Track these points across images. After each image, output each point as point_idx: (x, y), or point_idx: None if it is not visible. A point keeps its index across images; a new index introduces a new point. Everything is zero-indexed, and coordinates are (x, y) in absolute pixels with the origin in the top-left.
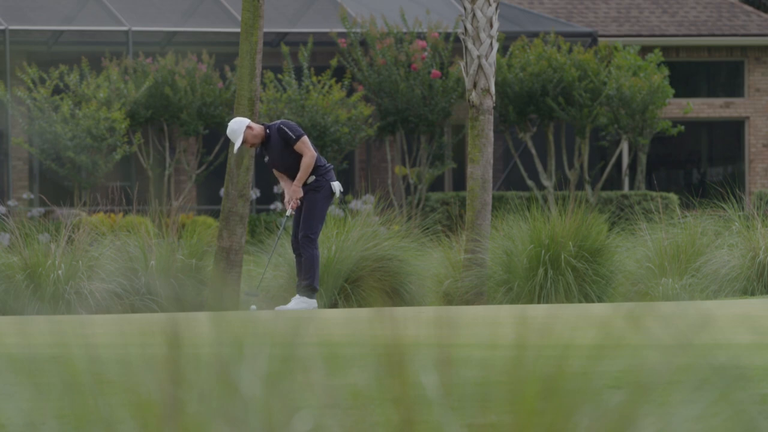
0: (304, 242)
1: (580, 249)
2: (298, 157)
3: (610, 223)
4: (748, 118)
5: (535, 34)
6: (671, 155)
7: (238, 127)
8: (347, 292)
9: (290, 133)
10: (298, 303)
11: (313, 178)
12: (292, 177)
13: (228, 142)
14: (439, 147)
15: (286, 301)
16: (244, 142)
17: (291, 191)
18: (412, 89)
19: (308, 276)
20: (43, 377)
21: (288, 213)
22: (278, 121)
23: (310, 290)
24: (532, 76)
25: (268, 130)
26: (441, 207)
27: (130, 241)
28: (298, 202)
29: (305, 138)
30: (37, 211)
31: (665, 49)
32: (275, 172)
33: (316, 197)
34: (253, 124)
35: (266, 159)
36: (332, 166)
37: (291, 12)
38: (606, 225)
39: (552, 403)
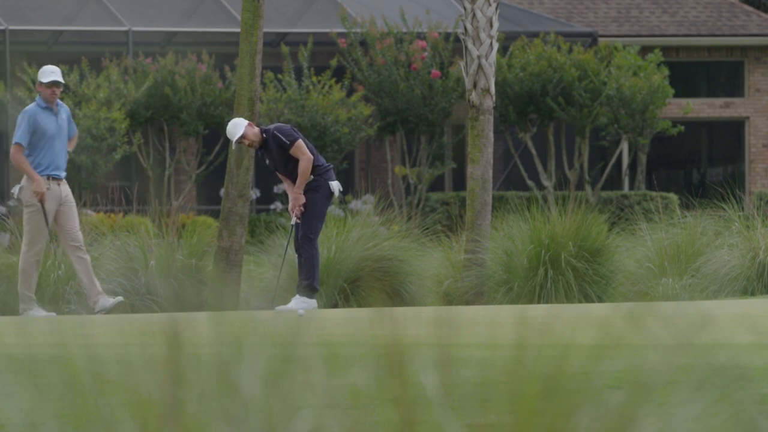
0: (304, 242)
1: (580, 249)
2: (295, 162)
3: (610, 223)
4: (748, 118)
5: (535, 34)
6: (671, 155)
7: (239, 122)
8: (347, 292)
9: (284, 139)
10: (298, 303)
11: (311, 177)
12: (295, 179)
13: (228, 142)
14: (439, 147)
15: (287, 301)
16: (243, 137)
17: (293, 198)
18: (412, 89)
19: (308, 276)
20: (43, 377)
21: (293, 222)
22: (273, 126)
23: (310, 290)
24: (532, 76)
25: (264, 134)
26: (441, 207)
27: (130, 241)
28: (302, 208)
29: (300, 142)
30: None
31: (665, 49)
32: (278, 174)
33: (315, 197)
34: (253, 125)
35: (267, 162)
36: (332, 166)
37: (291, 12)
38: (606, 225)
39: (552, 403)
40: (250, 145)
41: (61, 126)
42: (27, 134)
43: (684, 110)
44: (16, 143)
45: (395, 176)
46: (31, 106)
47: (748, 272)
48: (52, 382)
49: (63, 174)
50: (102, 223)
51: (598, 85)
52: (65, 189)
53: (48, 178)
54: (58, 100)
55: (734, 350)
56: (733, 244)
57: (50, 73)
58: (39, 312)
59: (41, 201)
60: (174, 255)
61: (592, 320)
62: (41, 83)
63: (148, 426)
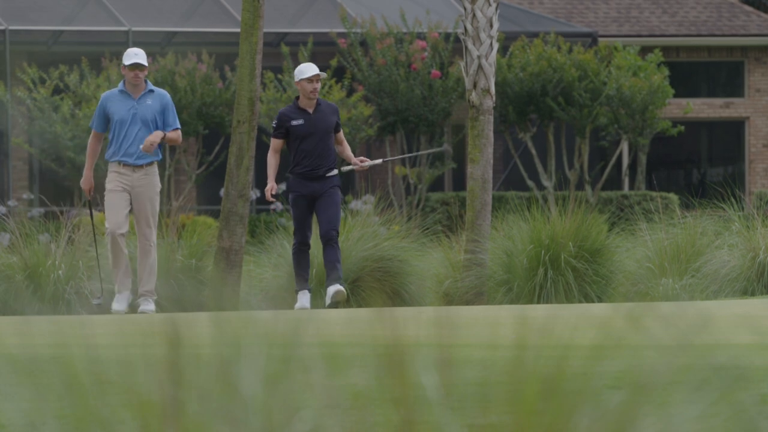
0: (336, 237)
1: (580, 249)
2: (331, 142)
3: (610, 223)
4: (748, 118)
5: (535, 34)
6: (671, 155)
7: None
8: (347, 292)
9: (338, 120)
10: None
11: (335, 172)
12: (308, 156)
13: (227, 142)
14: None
15: (291, 300)
16: (316, 81)
17: (359, 164)
18: (412, 89)
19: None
20: (43, 377)
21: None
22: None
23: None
24: (532, 76)
25: (319, 102)
26: (441, 207)
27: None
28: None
29: None
30: (37, 211)
31: (665, 49)
32: (273, 154)
33: (339, 194)
34: None
35: (299, 123)
36: None
37: (291, 12)
38: (606, 225)
39: (552, 403)
40: (313, 91)
41: (141, 111)
42: (96, 119)
43: (684, 110)
44: (92, 128)
45: (395, 176)
46: (107, 91)
47: (748, 272)
48: (52, 382)
49: (137, 161)
50: (102, 223)
51: (598, 85)
52: (139, 176)
53: (119, 164)
54: (154, 87)
55: (734, 350)
56: (733, 245)
57: (133, 55)
58: (116, 305)
59: (88, 194)
60: (174, 255)
61: (592, 320)
62: (124, 66)
63: (148, 426)
